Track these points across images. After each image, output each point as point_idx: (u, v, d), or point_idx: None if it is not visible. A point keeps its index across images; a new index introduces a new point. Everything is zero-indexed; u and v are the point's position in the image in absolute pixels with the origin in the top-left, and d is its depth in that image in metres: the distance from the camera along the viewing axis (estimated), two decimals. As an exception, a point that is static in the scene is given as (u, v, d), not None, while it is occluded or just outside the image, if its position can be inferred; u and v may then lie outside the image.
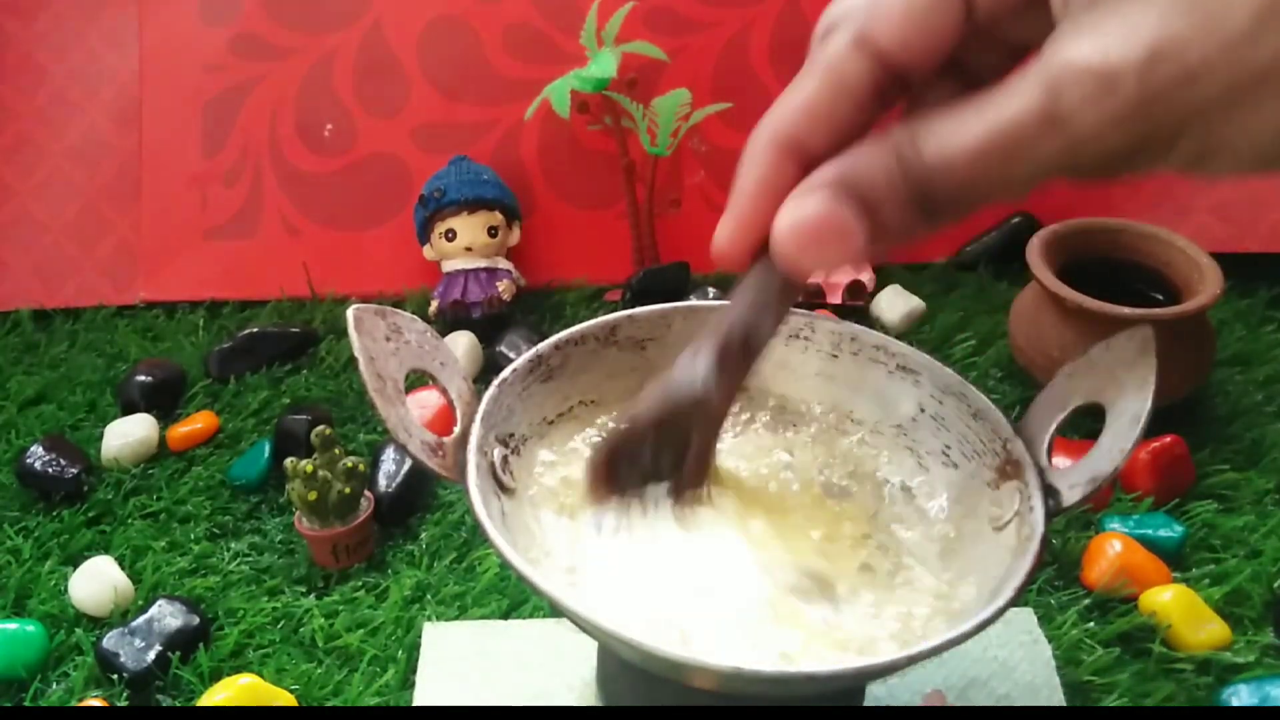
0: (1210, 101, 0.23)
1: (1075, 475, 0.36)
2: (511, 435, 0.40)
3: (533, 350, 0.41)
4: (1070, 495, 0.36)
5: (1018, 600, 0.33)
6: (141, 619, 0.51)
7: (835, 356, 0.43)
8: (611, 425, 0.36)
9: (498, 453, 0.38)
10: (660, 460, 0.35)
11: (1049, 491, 0.36)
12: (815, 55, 0.29)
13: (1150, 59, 0.23)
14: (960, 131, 0.26)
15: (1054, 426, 0.37)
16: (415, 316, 0.39)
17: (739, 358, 0.33)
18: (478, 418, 0.38)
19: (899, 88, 0.29)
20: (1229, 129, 0.24)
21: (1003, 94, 0.25)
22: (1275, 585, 0.52)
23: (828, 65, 0.28)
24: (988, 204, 0.27)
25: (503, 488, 0.38)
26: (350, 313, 0.36)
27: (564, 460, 0.41)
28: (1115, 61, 0.23)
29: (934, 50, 0.28)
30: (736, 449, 0.42)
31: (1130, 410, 0.35)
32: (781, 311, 0.33)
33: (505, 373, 0.40)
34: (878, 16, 0.28)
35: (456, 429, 0.38)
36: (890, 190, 0.27)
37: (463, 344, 0.71)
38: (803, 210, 0.28)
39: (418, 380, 0.64)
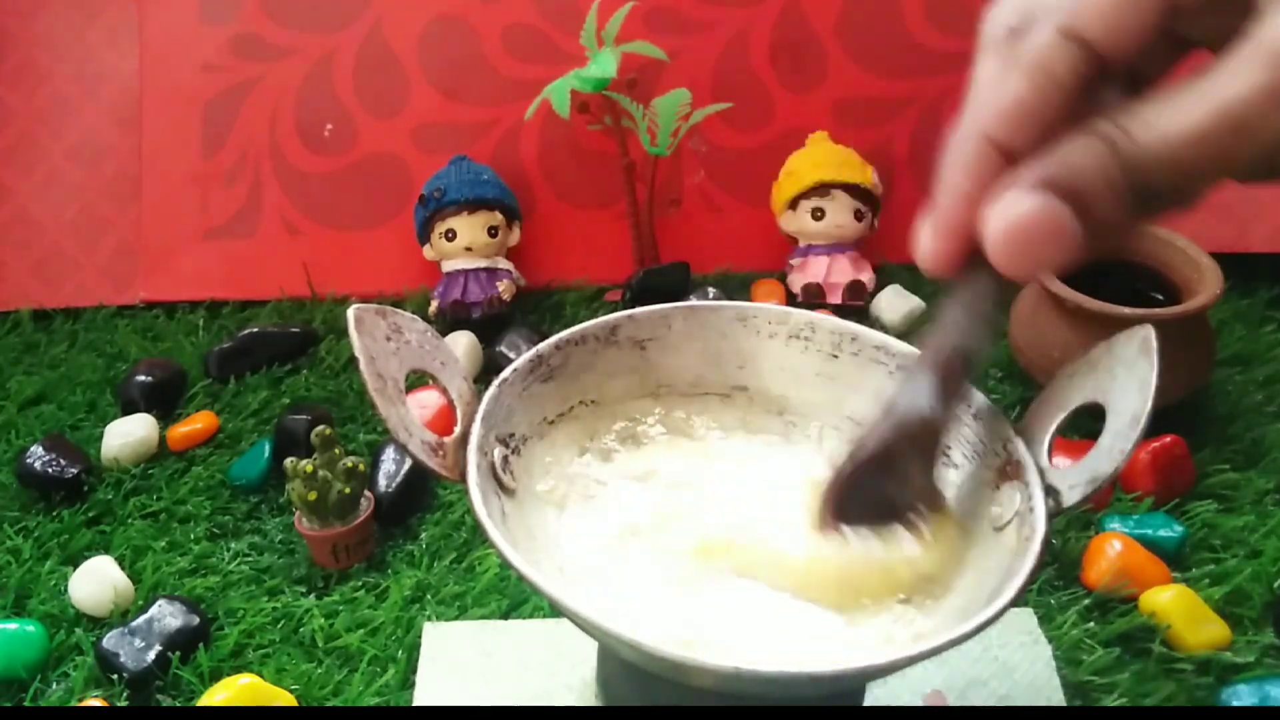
0: None
1: (1075, 475, 0.36)
2: (512, 435, 0.40)
3: (533, 350, 0.41)
4: (1070, 495, 0.36)
5: (1018, 600, 0.32)
6: (141, 619, 0.51)
7: (835, 357, 0.43)
8: (843, 457, 0.36)
9: (498, 453, 0.38)
10: (888, 489, 0.35)
11: (1049, 492, 0.36)
12: (1007, 51, 0.28)
13: None
14: (1180, 115, 0.25)
15: (1054, 427, 0.37)
16: (415, 316, 0.39)
17: (961, 376, 0.33)
18: (478, 418, 0.38)
19: (1101, 81, 0.28)
20: None
21: (1219, 75, 0.25)
22: (1275, 585, 0.52)
23: (1035, 60, 0.28)
24: (1206, 190, 0.27)
25: (503, 488, 0.38)
26: (350, 312, 0.36)
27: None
28: None
29: (1140, 40, 0.27)
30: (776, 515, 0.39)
31: (1130, 410, 0.35)
32: (996, 318, 0.32)
33: (505, 373, 0.40)
34: (1085, 7, 0.27)
35: (457, 429, 0.38)
36: (1106, 183, 0.26)
37: (463, 344, 0.71)
38: (1017, 210, 0.27)
39: (418, 380, 0.64)
